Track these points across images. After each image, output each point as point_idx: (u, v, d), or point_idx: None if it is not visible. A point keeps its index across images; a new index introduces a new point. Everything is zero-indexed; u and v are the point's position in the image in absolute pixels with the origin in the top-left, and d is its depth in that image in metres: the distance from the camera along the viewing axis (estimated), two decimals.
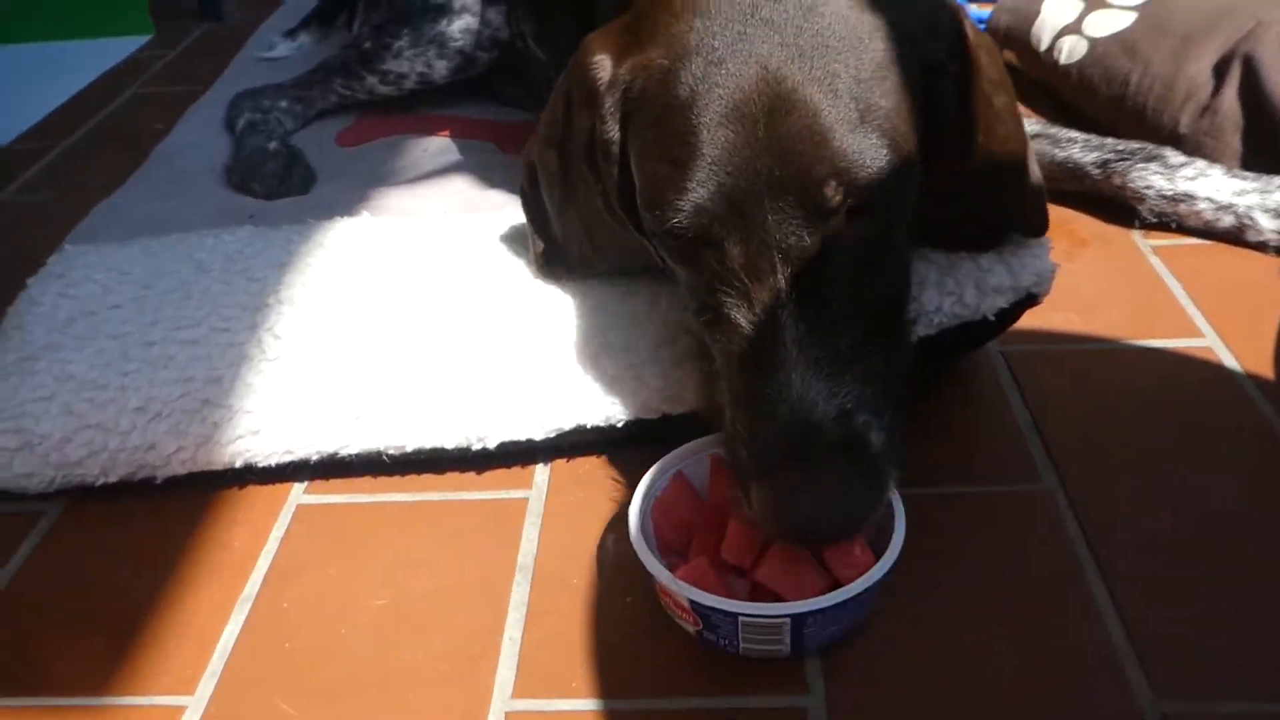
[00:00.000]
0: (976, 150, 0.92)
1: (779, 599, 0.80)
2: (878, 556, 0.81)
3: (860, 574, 0.79)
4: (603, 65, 0.88)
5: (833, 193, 0.78)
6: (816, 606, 0.77)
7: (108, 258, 1.15)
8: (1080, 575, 0.88)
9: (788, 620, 0.78)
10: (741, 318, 0.81)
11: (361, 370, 1.01)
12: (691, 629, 0.83)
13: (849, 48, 0.81)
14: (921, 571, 0.89)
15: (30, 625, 0.93)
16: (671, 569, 0.82)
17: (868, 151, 0.78)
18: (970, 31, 0.92)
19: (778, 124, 0.78)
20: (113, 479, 1.02)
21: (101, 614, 0.93)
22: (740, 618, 0.78)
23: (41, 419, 1.00)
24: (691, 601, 0.79)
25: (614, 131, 0.88)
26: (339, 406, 1.00)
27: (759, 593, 0.82)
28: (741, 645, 0.81)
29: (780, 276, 0.79)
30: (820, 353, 0.78)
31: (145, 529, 1.01)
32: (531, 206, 1.08)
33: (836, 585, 0.80)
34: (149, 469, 1.02)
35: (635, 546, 0.83)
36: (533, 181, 1.05)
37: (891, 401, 0.82)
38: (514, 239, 1.13)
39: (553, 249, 1.07)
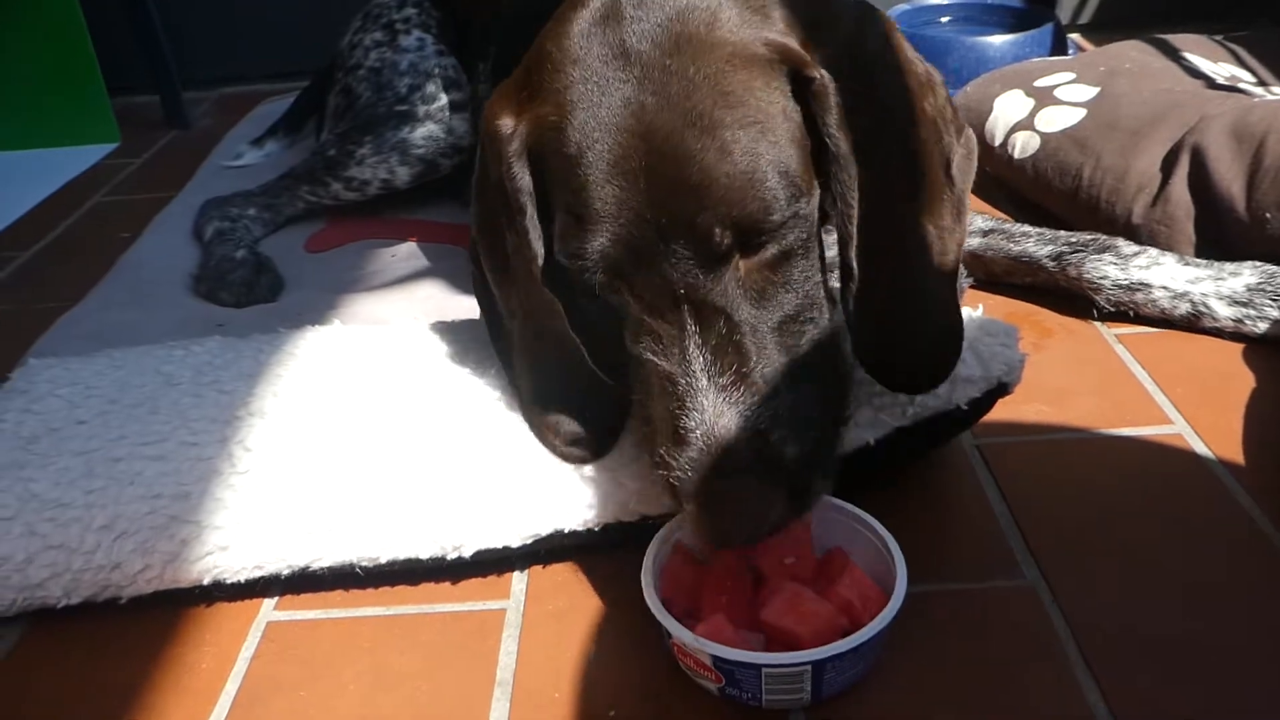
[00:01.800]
0: (883, 162, 0.89)
1: (790, 643, 0.83)
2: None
3: (870, 600, 0.85)
4: (505, 125, 0.91)
5: (720, 238, 0.81)
6: (835, 652, 0.81)
7: (73, 371, 1.13)
8: (1069, 670, 0.87)
9: (809, 668, 0.81)
10: (655, 353, 0.85)
11: (334, 481, 0.99)
12: (714, 686, 0.85)
13: (717, 83, 0.82)
14: (906, 676, 0.88)
15: None
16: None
17: (750, 190, 0.81)
18: (878, 40, 0.91)
19: (657, 176, 0.81)
20: (76, 600, 0.99)
21: None
22: (764, 669, 0.81)
23: (2, 540, 0.98)
24: (714, 658, 0.82)
25: (525, 184, 0.90)
26: (311, 518, 0.98)
27: (771, 643, 0.86)
28: (765, 698, 0.83)
29: (684, 313, 0.83)
30: (729, 379, 0.82)
31: (109, 652, 0.98)
32: (479, 285, 1.08)
33: (845, 615, 0.85)
34: (114, 589, 0.99)
35: (655, 611, 0.85)
36: (476, 259, 1.06)
37: (816, 417, 0.86)
38: (484, 344, 1.12)
39: (499, 325, 1.06)
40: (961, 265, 1.41)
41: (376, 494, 0.99)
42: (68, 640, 1.00)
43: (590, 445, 0.99)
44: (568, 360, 0.96)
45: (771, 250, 0.85)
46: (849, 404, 0.93)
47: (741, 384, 0.83)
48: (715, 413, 0.82)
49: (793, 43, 0.86)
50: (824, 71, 0.86)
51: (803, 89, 0.86)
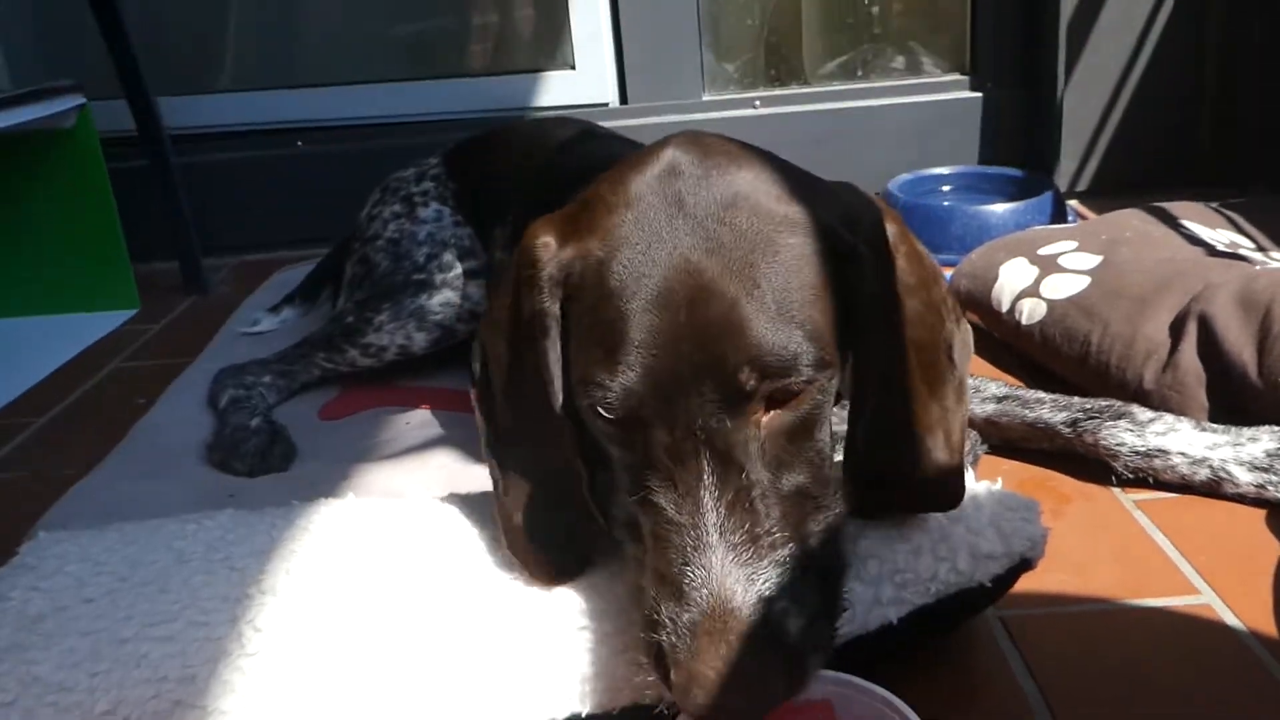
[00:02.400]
0: (899, 344, 0.94)
1: None
2: None
3: None
4: (546, 247, 0.94)
5: (746, 378, 0.82)
6: None
7: (83, 546, 1.11)
8: None
9: None
10: (666, 500, 0.84)
11: (346, 664, 0.96)
12: None
13: (765, 240, 0.87)
14: None
15: None
16: None
17: (781, 339, 0.84)
18: (893, 231, 0.96)
19: (698, 312, 0.84)
20: None
21: None
22: None
23: None
24: None
25: (553, 307, 0.93)
26: (320, 703, 0.95)
27: None
28: None
29: (703, 460, 0.83)
30: (740, 538, 0.81)
31: None
32: (484, 391, 1.07)
33: None
34: None
35: None
36: (484, 365, 1.06)
37: (815, 588, 0.85)
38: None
39: (498, 433, 1.06)
40: (976, 433, 1.41)
41: (391, 678, 0.96)
42: None
43: (560, 569, 0.99)
44: (559, 486, 0.98)
45: (792, 415, 0.86)
46: (843, 594, 0.91)
47: (752, 546, 0.82)
48: (723, 571, 0.80)
49: (837, 223, 0.91)
50: (864, 250, 0.91)
51: (841, 266, 0.90)
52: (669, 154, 0.94)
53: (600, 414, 0.87)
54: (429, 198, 1.79)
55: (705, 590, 0.80)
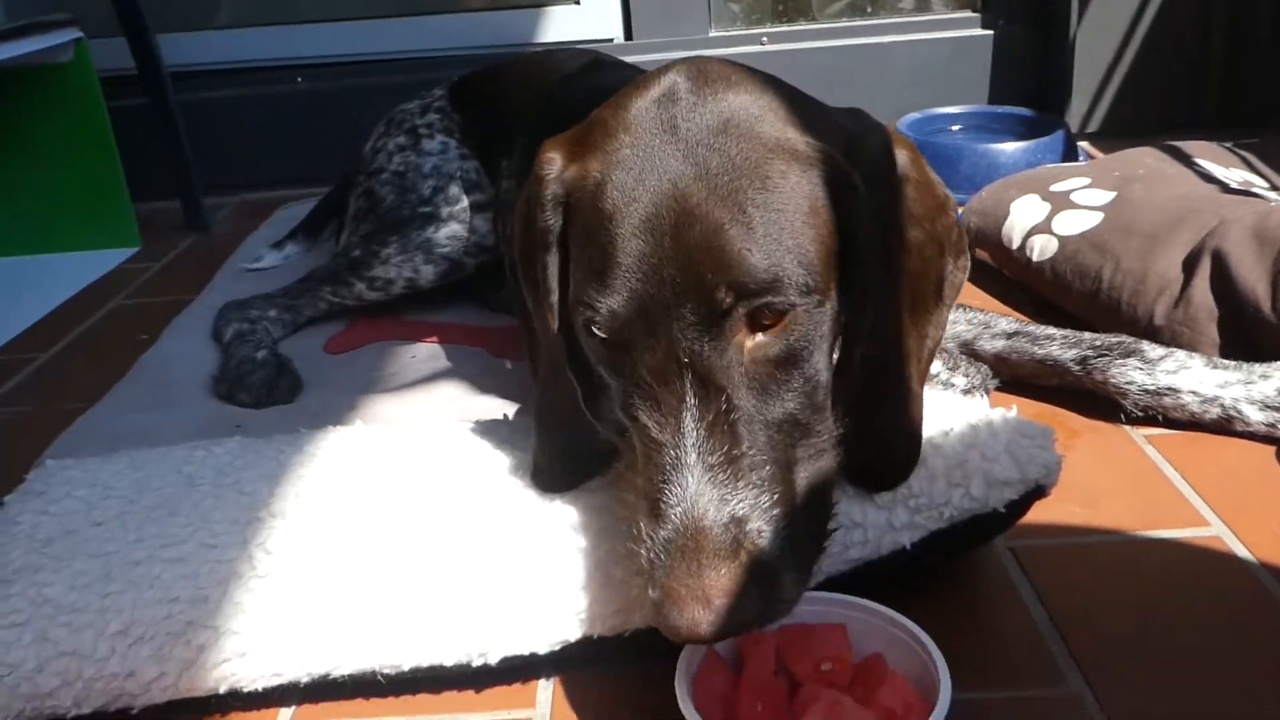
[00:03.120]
0: (895, 273, 0.94)
1: None
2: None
3: (913, 708, 0.82)
4: (552, 163, 0.96)
5: (723, 296, 0.83)
6: None
7: (91, 472, 1.11)
8: None
9: None
10: (649, 419, 0.85)
11: (356, 585, 0.97)
12: None
13: (753, 166, 0.87)
14: None
15: None
16: None
17: (760, 261, 0.84)
18: (903, 157, 0.95)
19: (681, 236, 0.84)
20: (86, 710, 0.96)
21: None
22: None
23: (12, 647, 0.95)
24: None
25: (554, 223, 0.94)
26: (332, 624, 0.96)
27: None
28: None
29: (685, 382, 0.84)
30: (717, 459, 0.82)
31: None
32: (522, 308, 1.08)
33: None
34: (127, 698, 0.96)
35: (687, 716, 0.82)
36: (516, 283, 1.08)
37: (798, 513, 0.85)
38: (508, 444, 1.11)
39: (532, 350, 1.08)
40: (986, 367, 1.41)
41: (400, 599, 0.96)
42: None
43: (552, 481, 1.03)
44: (566, 398, 1.00)
45: (778, 341, 0.86)
46: (830, 526, 0.91)
47: (730, 466, 0.82)
48: (697, 490, 0.81)
49: (835, 150, 0.90)
50: (861, 181, 0.90)
51: (840, 194, 0.89)
52: (669, 78, 0.94)
53: (593, 333, 0.89)
54: (434, 130, 1.77)
55: (680, 508, 0.81)
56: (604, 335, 0.88)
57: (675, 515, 0.81)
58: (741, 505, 0.81)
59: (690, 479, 0.81)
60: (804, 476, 0.88)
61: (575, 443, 1.02)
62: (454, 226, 1.66)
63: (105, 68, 2.26)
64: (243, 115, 2.64)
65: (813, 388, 0.89)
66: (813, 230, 0.88)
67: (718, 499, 0.80)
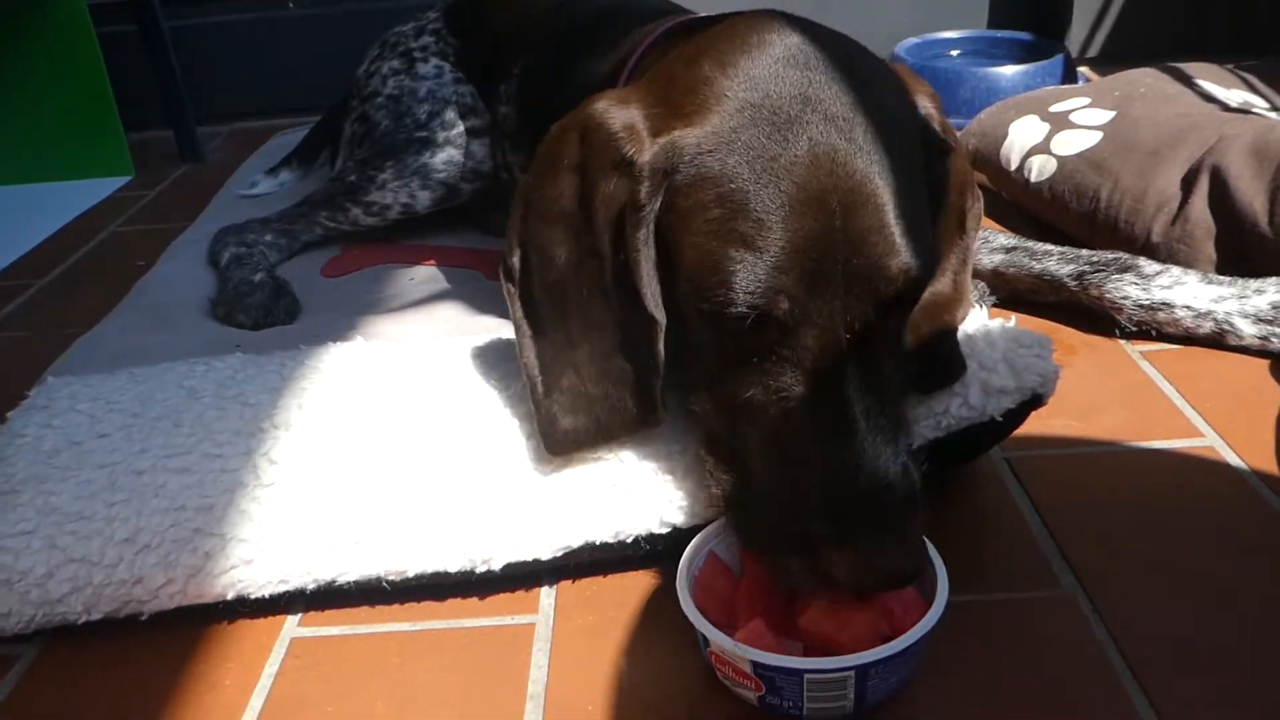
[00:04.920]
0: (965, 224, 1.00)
1: (829, 650, 0.81)
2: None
3: (910, 606, 0.84)
4: (634, 133, 0.88)
5: (901, 285, 0.83)
6: (879, 656, 0.78)
7: (93, 387, 1.12)
8: (1114, 679, 0.85)
9: (852, 673, 0.79)
10: (805, 395, 0.84)
11: (360, 494, 0.98)
12: (753, 695, 0.83)
13: (889, 137, 0.85)
14: (948, 687, 0.86)
15: None
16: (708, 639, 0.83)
17: (918, 245, 0.84)
18: (933, 106, 0.98)
19: (853, 217, 0.82)
20: (96, 616, 0.97)
21: None
22: (805, 675, 0.79)
23: (21, 555, 0.96)
24: (754, 664, 0.80)
25: (655, 202, 0.87)
26: (337, 532, 0.97)
27: (809, 651, 0.84)
28: (806, 706, 0.81)
29: (846, 357, 0.83)
30: (880, 421, 0.83)
31: (129, 669, 0.96)
32: (524, 283, 1.01)
33: (885, 621, 0.84)
34: (135, 604, 0.97)
35: (692, 618, 0.84)
36: (525, 260, 1.00)
37: (915, 451, 0.89)
38: (509, 358, 1.11)
39: (538, 327, 1.00)
40: (984, 283, 1.41)
41: (404, 507, 0.98)
42: (87, 657, 0.98)
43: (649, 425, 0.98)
44: (641, 371, 0.94)
45: (909, 310, 0.89)
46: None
47: (889, 427, 0.84)
48: (875, 454, 0.82)
49: (925, 119, 0.95)
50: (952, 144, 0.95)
51: (932, 161, 0.94)
52: (780, 38, 0.88)
53: (732, 314, 0.83)
54: (429, 53, 1.74)
55: (862, 474, 0.81)
56: (754, 315, 0.82)
57: (860, 480, 0.81)
58: (902, 458, 0.84)
59: (866, 445, 0.82)
60: (908, 412, 0.91)
61: (629, 412, 0.96)
62: (450, 152, 1.64)
63: None
64: (234, 42, 2.60)
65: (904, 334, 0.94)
66: (922, 198, 0.89)
67: (890, 456, 0.82)
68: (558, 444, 0.98)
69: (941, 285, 1.04)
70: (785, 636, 0.85)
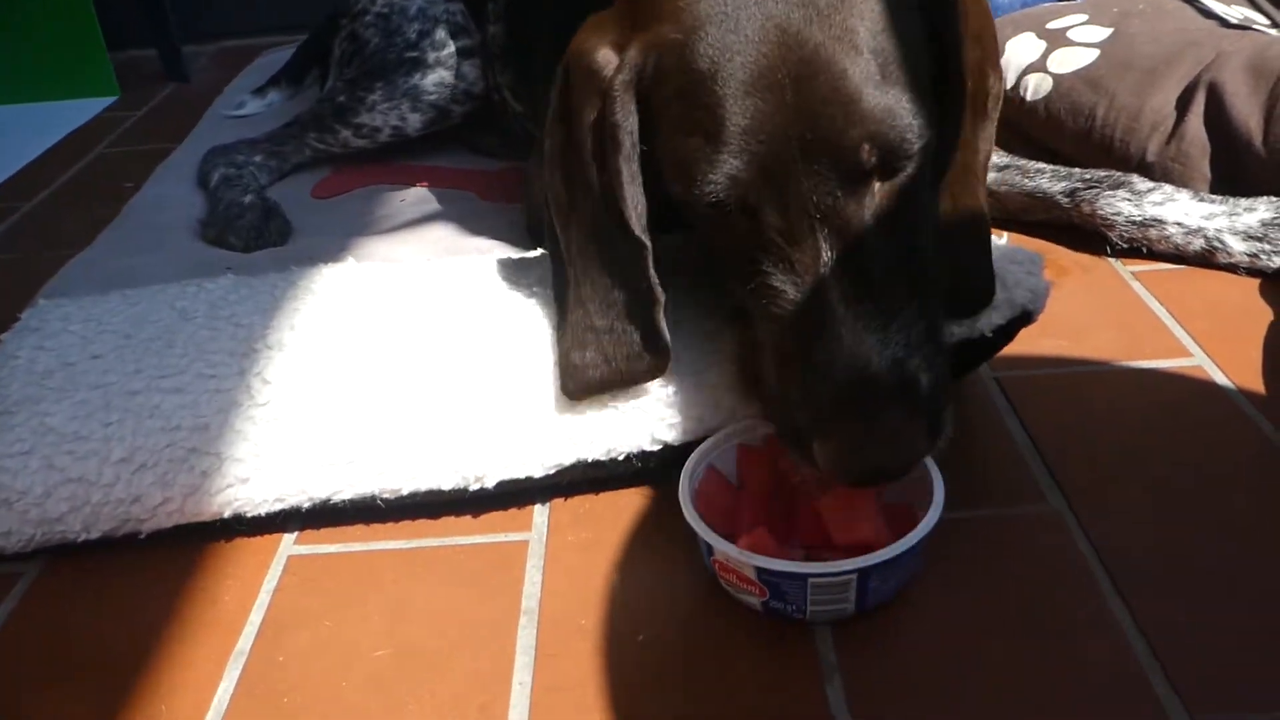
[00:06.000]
0: (962, 100, 0.91)
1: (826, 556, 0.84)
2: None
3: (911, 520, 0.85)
4: (605, 55, 0.87)
5: (867, 155, 0.79)
6: (880, 559, 0.80)
7: (85, 309, 1.12)
8: (1098, 593, 0.87)
9: (855, 576, 0.81)
10: (784, 282, 0.82)
11: (354, 413, 0.99)
12: (757, 601, 0.84)
13: (866, 11, 0.81)
14: (937, 597, 0.88)
15: (11, 693, 0.88)
16: (712, 547, 0.85)
17: (894, 108, 0.79)
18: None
19: (805, 89, 0.78)
20: (95, 535, 0.98)
21: (88, 678, 0.88)
22: (810, 579, 0.81)
23: (19, 475, 0.97)
24: (758, 569, 0.81)
25: (628, 118, 0.86)
26: (331, 451, 0.98)
27: (812, 555, 0.86)
28: (810, 609, 0.83)
29: (820, 238, 0.80)
30: (866, 306, 0.80)
31: (130, 586, 0.98)
32: (550, 230, 1.00)
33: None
34: (134, 523, 0.98)
35: (696, 527, 0.85)
36: (546, 205, 1.00)
37: (935, 345, 0.84)
38: (502, 276, 1.11)
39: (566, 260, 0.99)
40: None
41: (397, 426, 0.98)
42: (88, 575, 0.99)
43: (658, 363, 0.95)
44: (639, 300, 0.93)
45: (902, 179, 0.83)
46: (944, 331, 0.91)
47: (879, 313, 0.80)
48: (855, 341, 0.79)
49: None
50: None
51: (930, 14, 0.87)
52: None
53: (704, 205, 0.82)
54: None
55: (841, 361, 0.79)
56: (721, 204, 0.81)
57: (838, 369, 0.79)
58: (897, 347, 0.80)
59: (844, 331, 0.79)
60: (932, 301, 0.86)
61: (654, 334, 0.95)
62: (441, 73, 1.62)
63: None
64: None
65: (925, 217, 0.88)
66: (916, 56, 0.83)
67: (877, 344, 0.79)
68: (574, 384, 0.96)
69: (959, 161, 0.96)
70: (786, 544, 0.87)
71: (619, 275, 0.94)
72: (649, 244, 0.89)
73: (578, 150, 0.91)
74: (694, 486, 0.92)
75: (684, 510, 0.87)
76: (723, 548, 0.83)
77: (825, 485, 0.85)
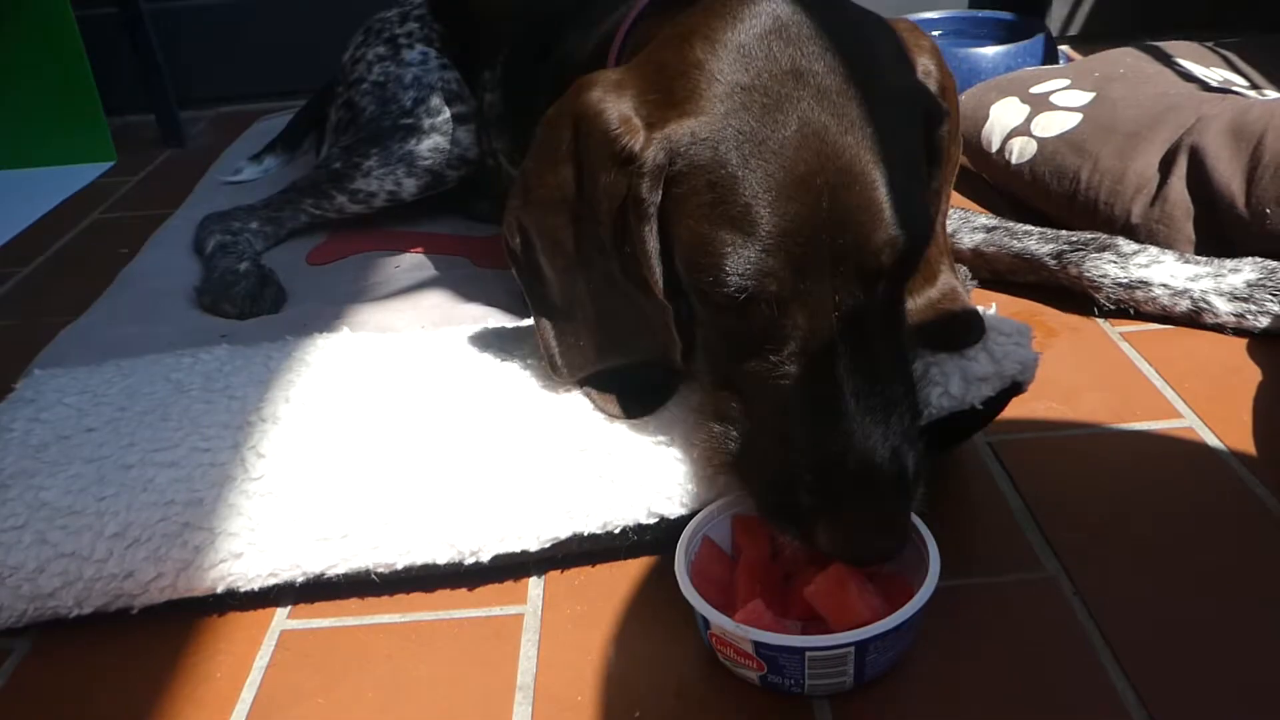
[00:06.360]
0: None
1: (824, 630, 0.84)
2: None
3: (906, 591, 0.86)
4: (630, 125, 0.88)
5: (888, 260, 0.84)
6: (877, 631, 0.81)
7: (80, 380, 1.12)
8: (1096, 662, 0.87)
9: (852, 649, 0.81)
10: (793, 371, 0.86)
11: (349, 487, 0.98)
12: (755, 675, 0.84)
13: (886, 113, 0.86)
14: (935, 668, 0.87)
15: None
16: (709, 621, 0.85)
17: (911, 214, 0.84)
18: (937, 65, 0.98)
19: (841, 196, 0.83)
20: (87, 610, 0.98)
21: None
22: (807, 653, 0.81)
23: (12, 549, 0.96)
24: (756, 644, 0.81)
25: (656, 196, 0.88)
26: (326, 525, 0.97)
27: (809, 627, 0.86)
28: (807, 683, 0.83)
29: (836, 334, 0.84)
30: (872, 400, 0.85)
31: (122, 662, 0.97)
32: (528, 266, 1.04)
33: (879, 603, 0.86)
34: (126, 598, 0.98)
35: (692, 601, 0.86)
36: (526, 245, 1.03)
37: (918, 430, 0.90)
38: (496, 347, 1.12)
39: (549, 304, 1.04)
40: (965, 267, 1.42)
41: (392, 499, 0.98)
42: (79, 651, 0.99)
43: (636, 408, 1.01)
44: (631, 348, 0.99)
45: (904, 281, 0.90)
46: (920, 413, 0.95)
47: (881, 406, 0.85)
48: (864, 434, 0.84)
49: (932, 86, 0.94)
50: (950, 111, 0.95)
51: (930, 127, 0.93)
52: (769, 9, 0.88)
53: (724, 294, 0.85)
54: (414, 39, 1.74)
55: (852, 453, 0.83)
56: (746, 297, 0.84)
57: (849, 459, 0.83)
58: (895, 438, 0.85)
59: (855, 425, 0.83)
60: (911, 387, 0.91)
61: (651, 383, 1.02)
62: (436, 139, 1.64)
63: None
64: (217, 26, 2.58)
65: (903, 308, 0.94)
66: (921, 164, 0.91)
67: (880, 437, 0.84)
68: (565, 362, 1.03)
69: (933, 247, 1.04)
70: (783, 616, 0.87)
71: (633, 326, 0.98)
72: (670, 305, 0.93)
73: (590, 207, 0.93)
74: (689, 560, 0.92)
75: (680, 585, 0.87)
76: (719, 622, 0.83)
77: (817, 563, 0.87)
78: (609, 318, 1.00)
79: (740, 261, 0.83)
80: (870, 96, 0.85)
